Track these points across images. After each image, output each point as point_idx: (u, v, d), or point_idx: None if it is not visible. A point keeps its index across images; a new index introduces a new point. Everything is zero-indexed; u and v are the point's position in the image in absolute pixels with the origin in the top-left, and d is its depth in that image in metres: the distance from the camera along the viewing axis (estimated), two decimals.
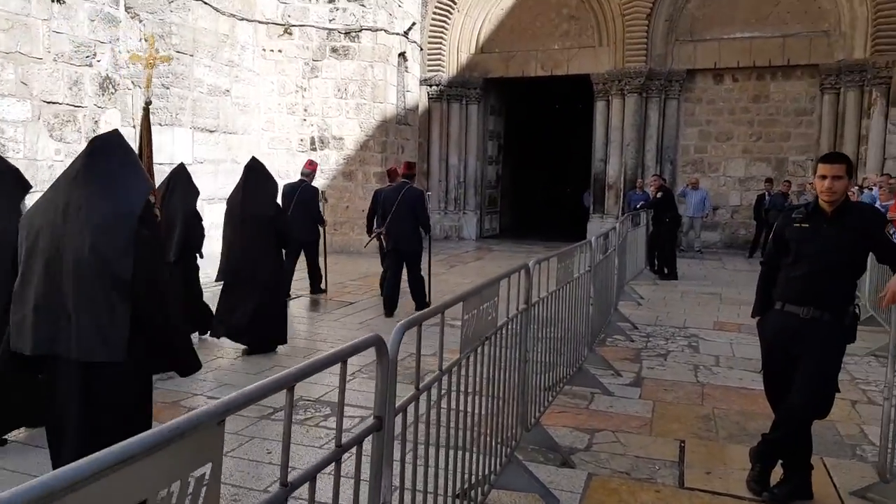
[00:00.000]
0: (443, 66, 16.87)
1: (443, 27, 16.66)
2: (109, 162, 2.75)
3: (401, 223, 7.56)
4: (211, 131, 11.71)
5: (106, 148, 2.80)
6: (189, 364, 3.13)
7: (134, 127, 11.03)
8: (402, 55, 14.62)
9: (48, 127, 6.28)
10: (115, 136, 2.92)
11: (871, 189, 9.69)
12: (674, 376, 5.36)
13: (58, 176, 2.86)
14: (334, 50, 13.29)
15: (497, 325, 2.78)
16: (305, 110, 13.33)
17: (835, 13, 14.46)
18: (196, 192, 5.89)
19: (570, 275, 4.42)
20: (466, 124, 17.30)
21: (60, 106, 6.36)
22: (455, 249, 14.10)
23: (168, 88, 10.85)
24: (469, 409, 2.56)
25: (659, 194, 10.74)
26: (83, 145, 7.08)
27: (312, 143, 13.39)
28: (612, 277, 6.67)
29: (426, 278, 7.78)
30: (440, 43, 16.76)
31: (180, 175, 5.95)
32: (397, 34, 14.09)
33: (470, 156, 17.30)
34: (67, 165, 2.85)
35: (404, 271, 7.65)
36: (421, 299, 7.64)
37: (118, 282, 2.61)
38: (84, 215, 2.63)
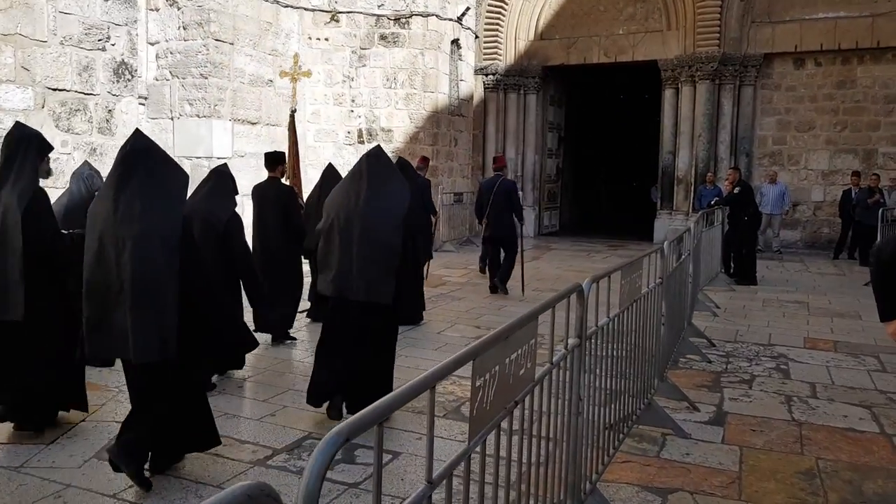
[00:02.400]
0: (499, 55, 16.02)
1: (500, 13, 15.80)
2: (384, 166, 4.20)
3: (500, 212, 8.37)
4: (253, 123, 11.24)
5: (381, 155, 4.24)
6: None
7: (172, 119, 10.70)
8: (455, 42, 13.86)
9: (54, 116, 5.81)
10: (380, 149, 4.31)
11: None
12: (763, 411, 4.44)
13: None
14: (383, 37, 12.65)
15: (534, 377, 2.00)
16: (353, 101, 12.74)
17: None
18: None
19: (638, 291, 3.58)
20: (524, 115, 16.41)
21: (68, 93, 5.87)
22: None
23: (206, 78, 10.41)
24: (494, 493, 1.80)
25: (736, 189, 9.64)
26: (94, 137, 6.67)
27: (360, 135, 12.80)
28: (687, 287, 5.76)
29: (520, 264, 8.58)
30: (497, 29, 15.91)
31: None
32: (450, 20, 13.33)
33: (528, 149, 16.41)
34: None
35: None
36: (503, 281, 8.46)
37: (393, 249, 3.99)
38: (371, 205, 3.98)
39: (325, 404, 4.19)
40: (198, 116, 10.54)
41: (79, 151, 6.15)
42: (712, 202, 10.88)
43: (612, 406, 3.26)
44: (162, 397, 3.22)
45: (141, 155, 3.13)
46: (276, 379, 5.00)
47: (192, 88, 10.53)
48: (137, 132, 3.31)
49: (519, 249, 8.47)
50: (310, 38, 12.62)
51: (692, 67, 14.25)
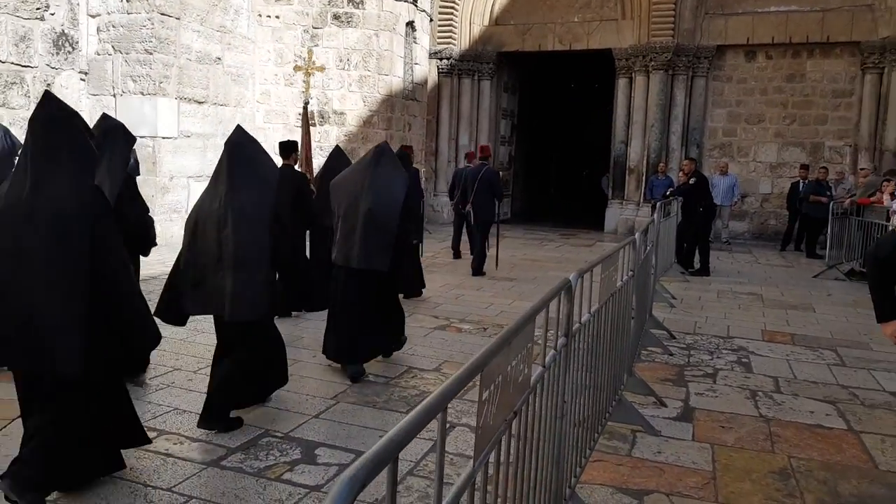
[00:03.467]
0: (454, 39, 15.75)
1: None
2: (389, 157, 4.84)
3: (483, 198, 9.08)
4: (200, 102, 10.71)
5: (387, 149, 4.94)
6: None
7: (114, 96, 10.08)
8: (410, 24, 13.53)
9: None
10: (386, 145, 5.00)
11: None
12: (729, 406, 4.38)
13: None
14: (336, 17, 12.22)
15: (531, 383, 1.80)
16: (304, 82, 12.27)
17: None
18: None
19: (614, 284, 3.43)
20: (478, 101, 16.22)
21: (3, 65, 5.38)
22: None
23: (151, 54, 9.84)
24: None
25: (692, 180, 9.67)
26: (31, 110, 6.14)
27: (311, 117, 12.35)
28: (650, 279, 5.68)
29: (495, 245, 9.49)
30: (452, 13, 15.63)
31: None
32: (405, 1, 12.99)
33: (481, 135, 16.22)
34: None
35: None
36: (480, 266, 9.13)
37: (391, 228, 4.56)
38: (374, 189, 4.57)
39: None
40: (142, 94, 9.97)
41: (14, 127, 5.65)
42: (667, 193, 10.92)
43: (588, 404, 3.10)
44: (248, 347, 3.75)
45: (240, 147, 3.74)
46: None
47: (135, 64, 9.94)
48: (238, 128, 3.90)
49: (495, 231, 9.37)
50: (260, 15, 12.10)
51: (646, 57, 14.29)
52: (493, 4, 15.72)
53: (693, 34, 14.21)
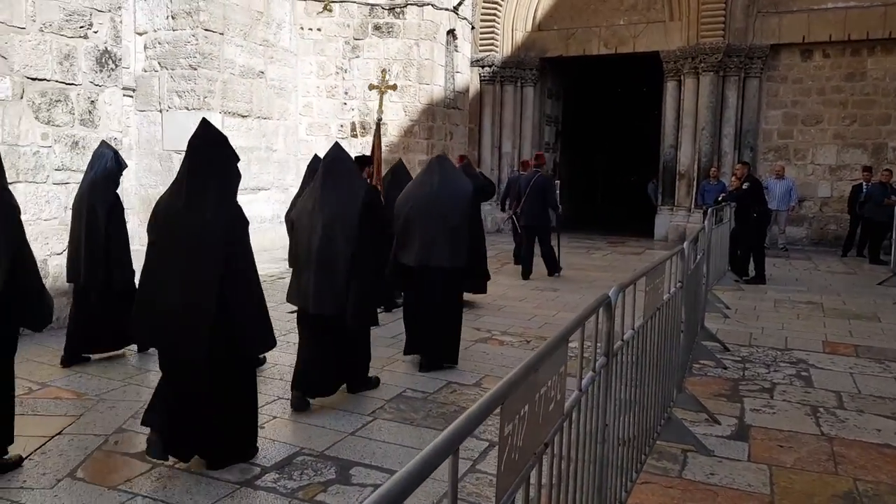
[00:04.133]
0: (496, 46, 15.63)
1: (496, 2, 15.40)
2: (450, 165, 5.50)
3: (533, 204, 9.28)
4: (243, 116, 10.85)
5: (446, 157, 5.68)
6: None
7: (160, 111, 10.31)
8: (451, 33, 13.48)
9: (33, 107, 5.42)
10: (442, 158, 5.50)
11: None
12: (789, 424, 4.10)
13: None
14: (377, 27, 12.26)
15: (564, 410, 1.65)
16: (346, 93, 12.35)
17: None
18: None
19: (660, 297, 3.24)
20: (521, 108, 16.03)
21: (48, 83, 5.48)
22: (506, 244, 12.81)
23: (196, 70, 10.02)
24: None
25: (746, 185, 9.28)
26: (76, 129, 6.28)
27: (353, 128, 12.42)
28: (702, 289, 5.41)
29: (556, 249, 9.74)
30: (493, 20, 15.52)
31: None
32: (446, 9, 12.95)
33: (525, 142, 16.03)
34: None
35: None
36: (552, 266, 9.53)
37: (462, 227, 5.01)
38: (443, 193, 5.02)
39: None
40: (187, 109, 10.16)
41: (59, 144, 5.76)
42: (720, 198, 10.53)
43: (634, 423, 2.91)
44: (332, 339, 4.19)
45: (339, 161, 4.31)
46: (263, 386, 4.62)
47: (181, 80, 10.14)
48: (336, 145, 4.46)
49: (556, 235, 9.83)
50: (302, 28, 12.23)
51: (695, 59, 13.88)
52: (535, 10, 15.55)
53: (745, 34, 13.74)
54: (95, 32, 5.82)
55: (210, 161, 3.27)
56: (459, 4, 13.48)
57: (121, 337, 4.98)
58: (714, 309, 7.13)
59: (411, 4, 12.17)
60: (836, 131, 13.62)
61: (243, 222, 3.35)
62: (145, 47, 10.17)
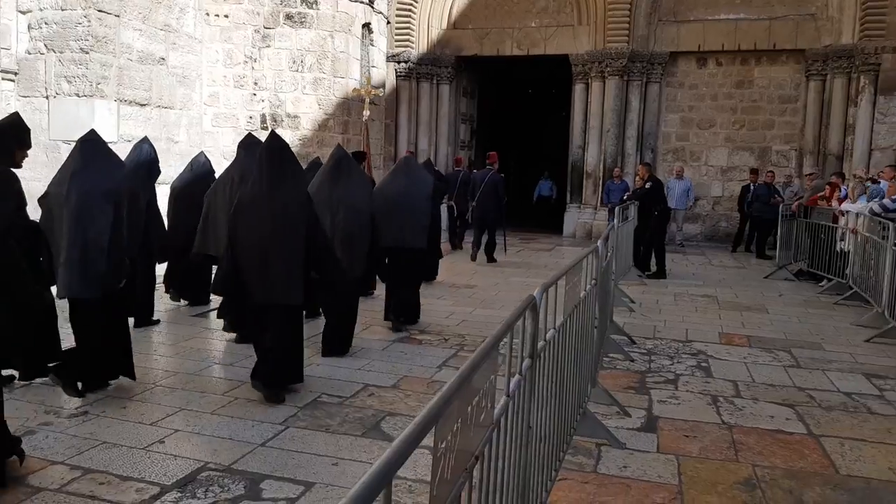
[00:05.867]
0: (412, 42, 15.58)
1: None
2: (415, 164, 7.37)
3: (486, 199, 10.47)
4: (142, 105, 10.27)
5: (413, 157, 9.51)
6: None
7: (46, 98, 9.60)
8: (366, 26, 13.30)
9: None
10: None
11: (879, 182, 8.82)
12: (692, 414, 4.32)
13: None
14: (289, 17, 11.91)
15: (493, 418, 1.65)
16: (255, 84, 11.94)
17: None
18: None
19: (578, 295, 3.32)
20: (437, 106, 16.07)
21: None
22: None
23: (88, 53, 9.38)
24: None
25: (648, 184, 9.72)
26: None
27: (263, 120, 12.03)
28: (610, 285, 5.60)
29: (503, 240, 11.01)
30: (409, 16, 15.46)
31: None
32: (361, 2, 12.76)
33: (441, 139, 16.09)
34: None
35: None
36: (490, 254, 10.73)
37: (425, 216, 6.35)
38: (410, 188, 6.30)
39: None
40: (77, 95, 9.48)
41: None
42: (624, 197, 10.96)
43: (554, 421, 2.97)
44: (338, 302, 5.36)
45: (346, 159, 5.67)
46: (165, 397, 4.38)
47: (70, 64, 9.46)
48: (338, 146, 5.99)
49: (503, 227, 10.86)
50: (207, 14, 11.71)
51: (602, 63, 14.38)
52: (451, 8, 15.61)
53: (647, 41, 14.37)
54: None
55: (284, 160, 4.38)
56: None
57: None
58: (620, 303, 7.41)
59: None
60: (727, 135, 14.50)
61: (310, 199, 4.50)
62: (29, 27, 9.42)
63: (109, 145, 4.78)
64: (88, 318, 4.21)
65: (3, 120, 3.93)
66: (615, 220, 6.51)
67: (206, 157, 7.37)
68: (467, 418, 1.35)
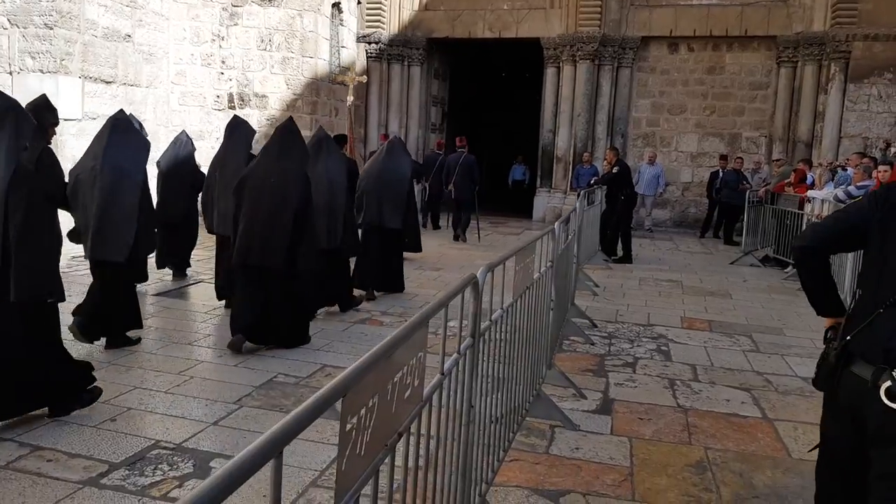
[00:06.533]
0: (383, 23, 15.39)
1: None
2: (399, 145, 7.54)
3: (462, 181, 11.07)
4: (107, 82, 10.03)
5: (397, 139, 7.92)
6: None
7: (10, 74, 9.33)
8: (336, 6, 13.11)
9: None
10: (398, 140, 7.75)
11: (846, 169, 8.95)
12: (648, 397, 4.36)
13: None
14: None
15: (423, 395, 1.62)
16: (223, 62, 11.73)
17: None
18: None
19: (530, 276, 3.31)
20: (408, 88, 15.91)
21: None
22: None
23: (52, 29, 9.13)
24: None
25: (615, 169, 9.75)
26: None
27: (231, 99, 11.83)
28: (572, 268, 5.62)
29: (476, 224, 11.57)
30: None
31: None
32: None
33: (412, 122, 15.96)
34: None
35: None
36: (463, 231, 11.33)
37: (402, 196, 7.05)
38: (389, 168, 6.99)
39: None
40: (41, 72, 9.24)
41: None
42: (591, 181, 10.99)
43: (504, 401, 2.97)
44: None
45: (328, 140, 6.28)
46: (120, 375, 4.31)
47: (34, 40, 9.20)
48: (320, 128, 6.82)
49: (475, 208, 11.42)
50: None
51: (573, 47, 14.34)
52: None
53: (619, 25, 14.35)
54: None
55: (289, 142, 4.98)
56: None
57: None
58: (584, 287, 7.45)
59: None
60: (698, 121, 14.59)
61: (307, 180, 4.98)
62: None
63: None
64: (114, 279, 4.72)
65: (36, 101, 4.20)
66: (578, 204, 6.52)
67: (187, 135, 7.53)
68: (387, 394, 1.33)
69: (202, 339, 5.14)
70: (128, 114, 5.36)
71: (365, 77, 13.92)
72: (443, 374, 1.84)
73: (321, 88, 12.65)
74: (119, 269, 4.67)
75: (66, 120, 9.41)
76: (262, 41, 11.77)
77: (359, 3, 14.65)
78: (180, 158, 7.23)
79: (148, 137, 5.78)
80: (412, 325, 1.48)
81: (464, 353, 2.07)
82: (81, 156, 4.76)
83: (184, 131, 7.84)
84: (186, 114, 11.55)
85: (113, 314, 4.75)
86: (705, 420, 4.01)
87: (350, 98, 11.69)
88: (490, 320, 2.47)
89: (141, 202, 4.67)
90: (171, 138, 8.08)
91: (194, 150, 7.44)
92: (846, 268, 6.86)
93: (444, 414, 1.93)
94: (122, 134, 4.77)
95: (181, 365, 4.54)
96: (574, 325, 5.71)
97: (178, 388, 4.08)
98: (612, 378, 4.69)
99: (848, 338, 1.97)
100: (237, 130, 6.12)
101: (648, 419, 3.98)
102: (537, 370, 3.73)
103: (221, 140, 6.40)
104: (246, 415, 3.73)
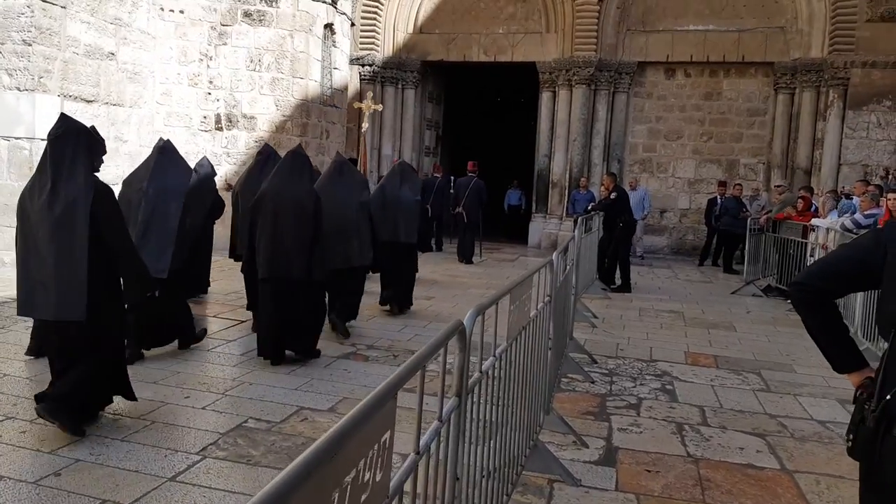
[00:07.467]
0: (377, 45, 15.19)
1: (378, 0, 14.96)
2: (409, 169, 8.10)
3: (472, 203, 11.72)
4: (88, 101, 9.71)
5: (406, 163, 8.97)
6: None
7: None
8: (329, 27, 12.89)
9: None
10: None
11: (852, 198, 8.67)
12: (655, 445, 3.97)
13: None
14: (247, 14, 11.44)
15: (390, 489, 1.25)
16: (211, 82, 11.43)
17: (792, 9, 13.58)
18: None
19: (526, 315, 2.95)
20: (402, 110, 15.69)
21: None
22: None
23: (30, 45, 8.82)
24: None
25: (613, 195, 9.45)
26: None
27: (218, 120, 11.52)
28: (570, 300, 5.27)
29: (478, 244, 12.15)
30: (374, 18, 15.07)
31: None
32: (323, 2, 12.35)
33: (405, 145, 15.69)
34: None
35: None
36: (469, 255, 11.82)
37: (414, 214, 7.62)
38: (402, 189, 7.43)
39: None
40: (18, 90, 8.91)
41: None
42: (588, 207, 10.69)
43: (498, 454, 2.59)
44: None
45: (347, 164, 6.61)
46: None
47: (11, 56, 8.88)
48: (337, 153, 7.99)
49: (480, 231, 12.07)
50: (162, 9, 11.19)
51: (569, 71, 14.15)
52: (417, 12, 15.27)
53: (615, 50, 14.19)
54: None
55: (300, 163, 5.26)
56: None
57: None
58: (582, 318, 7.09)
59: None
60: (695, 147, 14.37)
61: (318, 198, 5.23)
62: None
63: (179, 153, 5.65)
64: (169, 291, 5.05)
65: (90, 130, 4.18)
66: (576, 232, 6.19)
67: (208, 160, 7.43)
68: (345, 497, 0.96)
69: (169, 376, 4.74)
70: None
71: (381, 106, 13.96)
72: (418, 452, 1.47)
73: (312, 110, 12.37)
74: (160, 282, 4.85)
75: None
76: (252, 61, 11.51)
77: (353, 24, 14.46)
78: (201, 183, 6.97)
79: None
80: (369, 406, 1.11)
81: (447, 420, 1.70)
82: (126, 177, 5.34)
83: (205, 157, 7.55)
84: (172, 134, 11.18)
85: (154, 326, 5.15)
86: (719, 472, 3.63)
87: (366, 125, 12.28)
88: (480, 371, 2.10)
89: (182, 221, 5.13)
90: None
91: (215, 174, 7.15)
92: (856, 301, 6.53)
93: (423, 493, 1.56)
94: (169, 159, 5.35)
95: (145, 407, 4.14)
96: (573, 362, 5.34)
97: (135, 436, 3.67)
98: (615, 422, 4.31)
99: (888, 397, 1.66)
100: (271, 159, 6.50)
101: (657, 471, 3.60)
102: (535, 417, 3.35)
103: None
104: (208, 468, 3.31)
